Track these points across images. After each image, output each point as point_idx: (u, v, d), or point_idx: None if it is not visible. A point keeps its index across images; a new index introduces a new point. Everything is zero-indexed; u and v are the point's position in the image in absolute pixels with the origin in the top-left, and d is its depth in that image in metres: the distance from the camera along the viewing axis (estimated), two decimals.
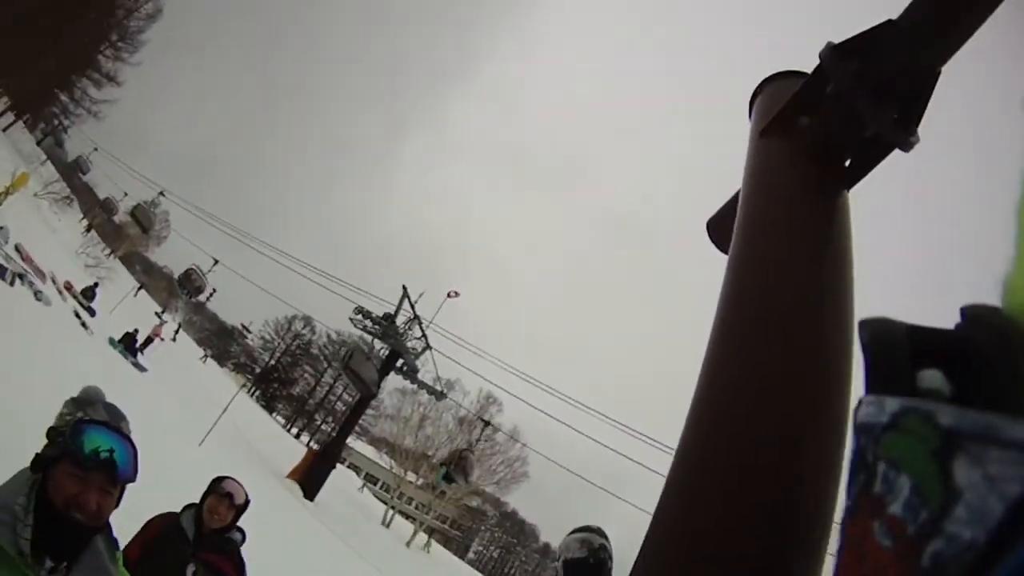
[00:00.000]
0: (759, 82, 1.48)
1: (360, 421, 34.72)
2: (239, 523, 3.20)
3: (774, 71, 1.47)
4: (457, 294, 29.49)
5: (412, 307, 27.30)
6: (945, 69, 1.22)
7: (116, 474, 1.62)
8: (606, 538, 2.56)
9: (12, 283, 13.89)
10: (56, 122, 40.53)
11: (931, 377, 0.31)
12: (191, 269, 30.62)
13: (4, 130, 34.85)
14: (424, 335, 27.84)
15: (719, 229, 1.56)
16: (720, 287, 1.22)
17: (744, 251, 1.23)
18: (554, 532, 74.27)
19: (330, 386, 65.40)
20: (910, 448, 0.29)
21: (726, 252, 1.28)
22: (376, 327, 27.27)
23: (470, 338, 30.46)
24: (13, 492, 1.56)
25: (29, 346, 10.55)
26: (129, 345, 21.22)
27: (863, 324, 0.34)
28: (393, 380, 26.00)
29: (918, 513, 0.27)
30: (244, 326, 62.25)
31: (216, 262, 30.01)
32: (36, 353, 10.30)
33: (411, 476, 41.43)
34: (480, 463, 45.59)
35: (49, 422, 1.72)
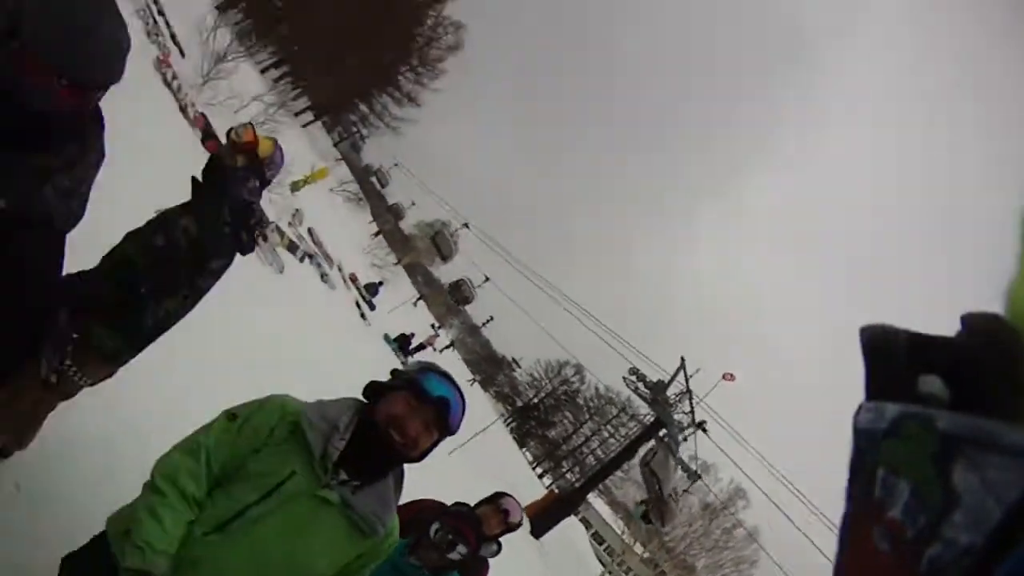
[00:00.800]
0: None
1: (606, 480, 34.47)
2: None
3: None
4: (733, 377, 27.81)
5: (687, 380, 26.28)
6: None
7: (448, 419, 1.72)
8: None
9: (302, 260, 13.85)
10: (355, 129, 41.90)
11: (930, 382, 0.31)
12: (462, 280, 32.11)
13: (304, 127, 35.09)
14: (693, 411, 26.74)
15: None
16: None
17: None
18: None
19: (587, 438, 61.80)
20: (909, 453, 0.29)
21: None
22: (647, 391, 26.96)
23: (737, 424, 28.47)
24: (340, 410, 1.74)
25: (313, 317, 10.73)
26: (403, 345, 21.53)
27: (863, 330, 0.34)
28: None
29: (917, 517, 0.27)
30: (515, 359, 62.09)
31: (487, 279, 30.58)
32: (317, 324, 10.53)
33: (638, 548, 40.01)
34: (711, 554, 42.30)
35: (325, 388, 2.13)
